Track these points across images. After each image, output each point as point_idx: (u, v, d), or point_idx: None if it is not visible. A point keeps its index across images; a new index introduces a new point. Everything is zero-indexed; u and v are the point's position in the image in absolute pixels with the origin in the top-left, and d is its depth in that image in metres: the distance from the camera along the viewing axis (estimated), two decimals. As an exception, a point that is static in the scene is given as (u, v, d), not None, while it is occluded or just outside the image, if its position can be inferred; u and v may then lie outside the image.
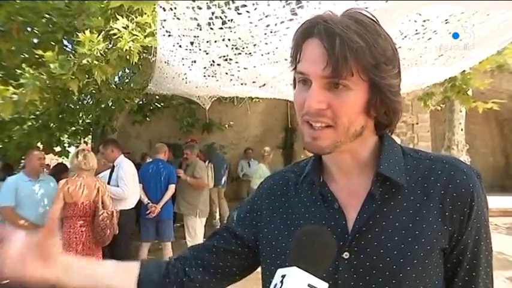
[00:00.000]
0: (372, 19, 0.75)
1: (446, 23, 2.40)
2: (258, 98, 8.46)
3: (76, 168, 3.88)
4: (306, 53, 0.75)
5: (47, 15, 3.50)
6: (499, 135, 13.46)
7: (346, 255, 0.77)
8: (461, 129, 7.56)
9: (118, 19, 2.71)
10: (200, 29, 2.38)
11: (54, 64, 2.77)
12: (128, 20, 2.73)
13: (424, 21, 2.39)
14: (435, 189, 0.78)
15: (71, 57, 2.85)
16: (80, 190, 3.79)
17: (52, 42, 3.00)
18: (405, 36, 2.53)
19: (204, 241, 1.00)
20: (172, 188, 5.25)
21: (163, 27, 2.41)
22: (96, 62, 2.80)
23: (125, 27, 2.69)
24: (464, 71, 4.92)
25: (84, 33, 2.73)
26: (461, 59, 2.97)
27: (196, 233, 5.48)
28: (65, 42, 3.60)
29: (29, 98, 2.86)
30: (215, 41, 2.55)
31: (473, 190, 0.78)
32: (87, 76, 3.04)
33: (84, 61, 2.76)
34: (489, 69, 6.56)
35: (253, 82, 3.36)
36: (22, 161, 7.68)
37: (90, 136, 7.86)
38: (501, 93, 9.76)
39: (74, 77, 2.83)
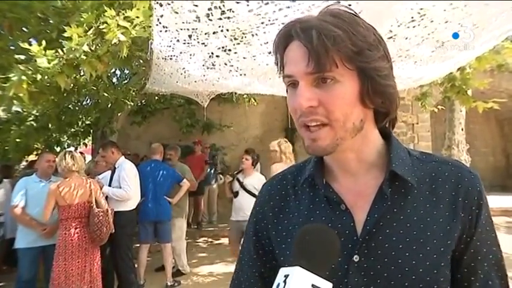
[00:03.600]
0: (350, 12, 0.75)
1: (443, 10, 2.38)
2: (256, 99, 8.50)
3: (66, 171, 3.86)
4: (289, 56, 0.74)
5: (42, 14, 3.48)
6: (499, 135, 13.47)
7: (356, 258, 0.75)
8: (462, 129, 7.56)
9: (106, 11, 2.68)
10: (199, 21, 2.37)
11: (40, 59, 2.75)
12: (115, 12, 2.70)
13: (421, 9, 2.38)
14: (444, 191, 0.77)
15: (59, 52, 2.81)
16: (73, 192, 3.79)
17: (46, 41, 2.95)
18: (401, 24, 2.51)
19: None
20: (186, 183, 5.33)
21: (160, 23, 2.40)
22: (84, 57, 2.76)
23: (111, 18, 2.65)
24: (464, 70, 4.92)
25: (70, 27, 2.70)
26: (459, 53, 2.96)
27: (183, 232, 5.67)
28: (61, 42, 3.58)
29: (14, 91, 2.81)
30: (214, 33, 2.53)
31: (481, 189, 0.78)
32: (80, 74, 3.01)
33: (71, 56, 2.72)
34: (489, 69, 6.56)
35: (252, 73, 3.35)
36: (23, 162, 7.73)
37: (90, 137, 7.85)
38: (501, 93, 9.77)
39: (61, 72, 2.79)
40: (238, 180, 4.88)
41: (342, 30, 0.69)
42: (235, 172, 5.16)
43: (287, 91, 0.79)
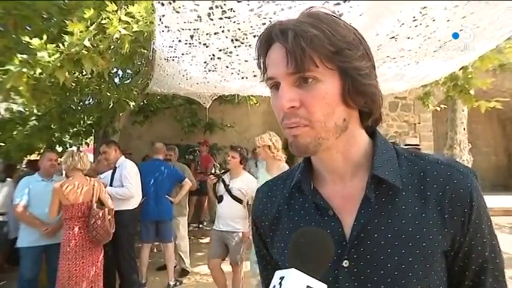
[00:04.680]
0: (328, 14, 0.75)
1: (444, 9, 2.38)
2: (257, 100, 8.50)
3: (70, 170, 3.88)
4: (270, 58, 0.75)
5: (46, 13, 3.49)
6: (502, 135, 13.45)
7: (345, 263, 0.75)
8: (464, 129, 7.55)
9: (108, 6, 2.68)
10: (200, 21, 2.37)
11: (41, 52, 2.74)
12: (117, 6, 2.70)
13: (423, 8, 2.38)
14: (432, 191, 0.76)
15: (59, 46, 2.81)
16: (77, 191, 3.80)
17: (48, 38, 2.95)
18: (403, 24, 2.50)
19: None
20: (188, 183, 5.33)
21: (162, 22, 2.40)
22: (86, 52, 2.75)
23: (113, 13, 2.65)
24: (466, 69, 4.91)
25: (72, 22, 2.70)
26: (460, 53, 2.95)
27: (185, 230, 5.68)
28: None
29: (11, 83, 2.80)
30: (215, 33, 2.53)
31: (472, 190, 0.76)
32: (82, 72, 2.99)
33: (72, 50, 2.72)
34: (491, 68, 6.53)
35: (254, 76, 3.34)
36: (24, 161, 7.74)
37: (92, 137, 7.86)
38: (503, 92, 9.75)
39: (61, 66, 2.79)
40: (223, 182, 4.16)
41: (319, 30, 0.70)
42: (222, 172, 4.48)
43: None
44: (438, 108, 7.14)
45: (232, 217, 4.09)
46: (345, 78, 0.73)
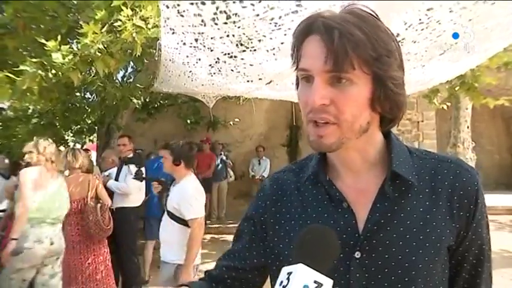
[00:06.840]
0: (371, 14, 0.75)
1: (449, 11, 2.36)
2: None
3: (67, 167, 3.93)
4: (307, 49, 0.75)
5: (54, 13, 3.51)
6: (505, 133, 13.42)
7: (357, 254, 0.77)
8: (467, 127, 7.51)
9: (122, 10, 2.70)
10: (204, 25, 2.36)
11: (56, 54, 2.77)
12: (131, 11, 2.73)
13: (428, 10, 2.36)
14: (443, 188, 0.79)
15: (73, 48, 2.83)
16: (73, 188, 3.83)
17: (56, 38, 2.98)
18: (409, 26, 2.47)
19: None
20: None
21: (167, 25, 2.40)
22: (99, 54, 2.78)
23: (128, 19, 2.67)
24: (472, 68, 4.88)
25: (88, 24, 2.72)
26: (467, 55, 2.92)
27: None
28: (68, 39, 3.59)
29: (27, 85, 2.83)
30: (220, 37, 2.51)
31: (478, 188, 0.80)
32: (92, 71, 3.00)
33: (86, 52, 2.74)
34: (495, 67, 6.49)
35: (260, 79, 3.33)
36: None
37: (95, 135, 7.88)
38: (508, 90, 9.68)
39: (75, 68, 2.81)
40: (168, 191, 3.10)
41: (363, 34, 0.70)
42: (170, 181, 3.17)
43: (297, 84, 0.81)
44: (444, 107, 7.08)
45: (173, 242, 2.90)
46: (378, 85, 0.74)
